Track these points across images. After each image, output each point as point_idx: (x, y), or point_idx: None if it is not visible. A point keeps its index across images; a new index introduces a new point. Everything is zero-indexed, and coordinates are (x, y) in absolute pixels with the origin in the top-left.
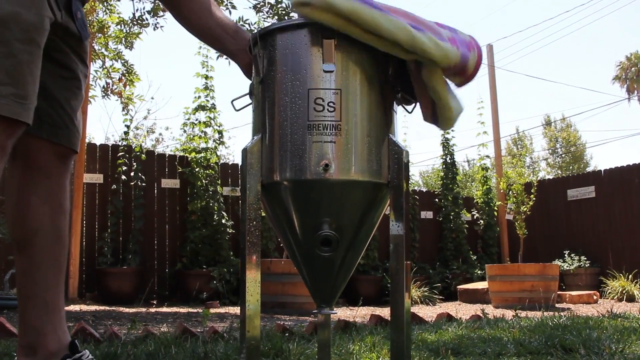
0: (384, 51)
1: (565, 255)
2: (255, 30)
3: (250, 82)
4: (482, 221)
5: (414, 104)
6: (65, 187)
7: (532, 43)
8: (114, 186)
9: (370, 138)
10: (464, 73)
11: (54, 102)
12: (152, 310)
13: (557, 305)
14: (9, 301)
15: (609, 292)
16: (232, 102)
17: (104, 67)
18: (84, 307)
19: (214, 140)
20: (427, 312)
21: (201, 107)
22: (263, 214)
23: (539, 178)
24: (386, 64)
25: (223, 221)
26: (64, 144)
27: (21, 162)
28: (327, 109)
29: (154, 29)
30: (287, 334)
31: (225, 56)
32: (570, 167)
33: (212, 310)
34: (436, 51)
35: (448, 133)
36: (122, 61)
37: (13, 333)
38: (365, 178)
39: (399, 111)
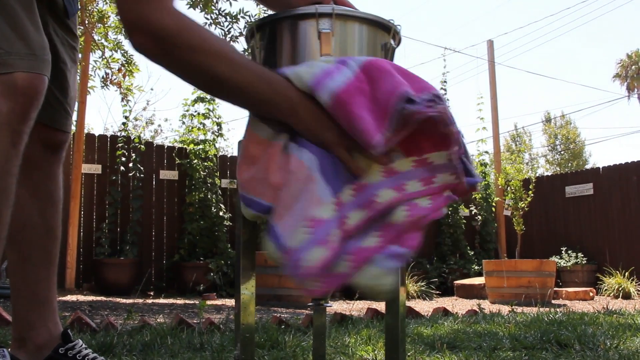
0: None
1: (563, 251)
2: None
3: None
4: (479, 217)
5: None
6: (56, 177)
7: (532, 39)
8: (112, 177)
9: None
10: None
11: None
12: (149, 301)
13: (553, 301)
14: (6, 290)
15: (605, 289)
16: None
17: (104, 57)
18: (81, 298)
19: (213, 132)
20: (424, 307)
21: (200, 99)
22: None
23: (537, 174)
24: (385, 55)
25: (221, 213)
26: (48, 124)
27: None
28: None
29: None
30: (283, 326)
31: None
32: (569, 164)
33: (209, 302)
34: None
35: None
36: (122, 52)
37: (9, 322)
38: None
39: None
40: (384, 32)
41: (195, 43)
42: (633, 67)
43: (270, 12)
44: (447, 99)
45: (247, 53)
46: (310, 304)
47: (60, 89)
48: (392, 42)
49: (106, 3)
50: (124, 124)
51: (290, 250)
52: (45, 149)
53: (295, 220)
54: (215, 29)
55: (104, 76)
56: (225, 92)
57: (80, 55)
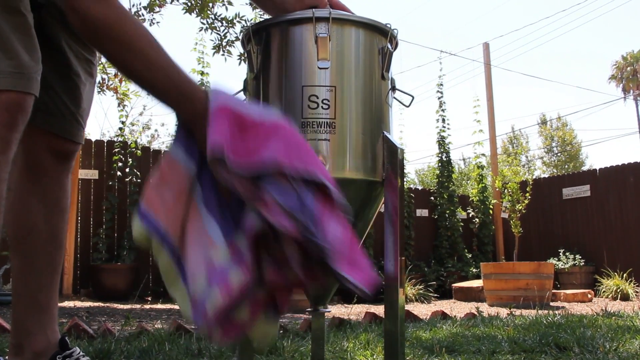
0: None
1: (560, 253)
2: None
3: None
4: (477, 219)
5: (411, 98)
6: (65, 186)
7: (528, 42)
8: (109, 182)
9: (365, 135)
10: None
11: (49, 89)
12: (147, 306)
13: (551, 303)
14: (3, 297)
15: (604, 291)
16: None
17: (100, 62)
18: (78, 304)
19: None
20: (422, 310)
21: None
22: None
23: (534, 177)
24: (382, 59)
25: None
26: (58, 133)
27: (20, 158)
28: (322, 107)
29: (150, 25)
30: (281, 331)
31: (221, 52)
32: (566, 166)
33: None
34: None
35: (444, 131)
36: None
37: (6, 329)
38: (360, 176)
39: (396, 107)
40: (381, 36)
41: (116, 37)
42: (628, 68)
43: (267, 16)
44: (444, 102)
45: (243, 57)
46: (308, 309)
47: (73, 100)
48: (389, 45)
49: None
50: (120, 129)
51: (196, 300)
52: (54, 157)
53: (196, 263)
54: (211, 33)
55: (101, 81)
56: (139, 84)
57: None
